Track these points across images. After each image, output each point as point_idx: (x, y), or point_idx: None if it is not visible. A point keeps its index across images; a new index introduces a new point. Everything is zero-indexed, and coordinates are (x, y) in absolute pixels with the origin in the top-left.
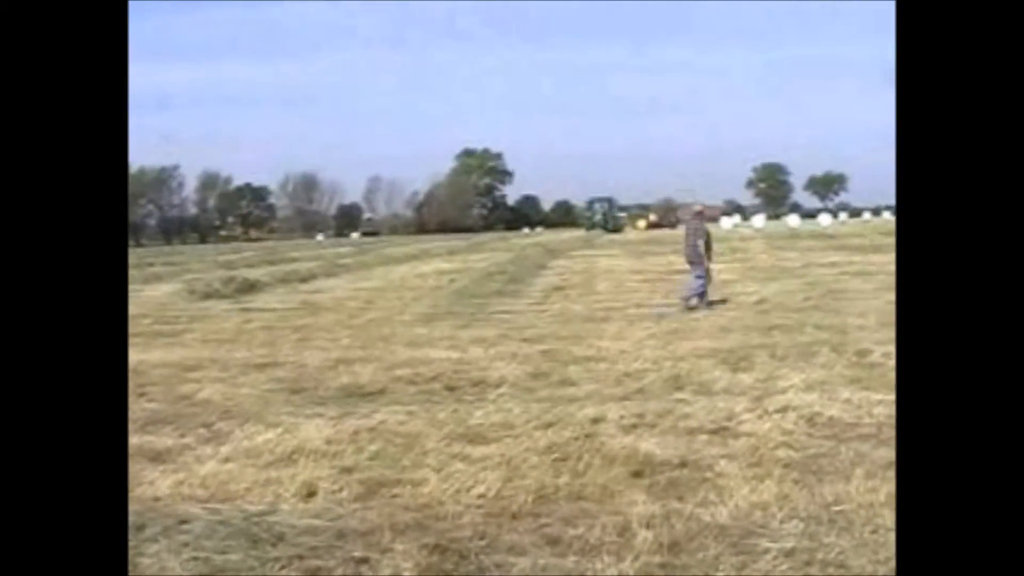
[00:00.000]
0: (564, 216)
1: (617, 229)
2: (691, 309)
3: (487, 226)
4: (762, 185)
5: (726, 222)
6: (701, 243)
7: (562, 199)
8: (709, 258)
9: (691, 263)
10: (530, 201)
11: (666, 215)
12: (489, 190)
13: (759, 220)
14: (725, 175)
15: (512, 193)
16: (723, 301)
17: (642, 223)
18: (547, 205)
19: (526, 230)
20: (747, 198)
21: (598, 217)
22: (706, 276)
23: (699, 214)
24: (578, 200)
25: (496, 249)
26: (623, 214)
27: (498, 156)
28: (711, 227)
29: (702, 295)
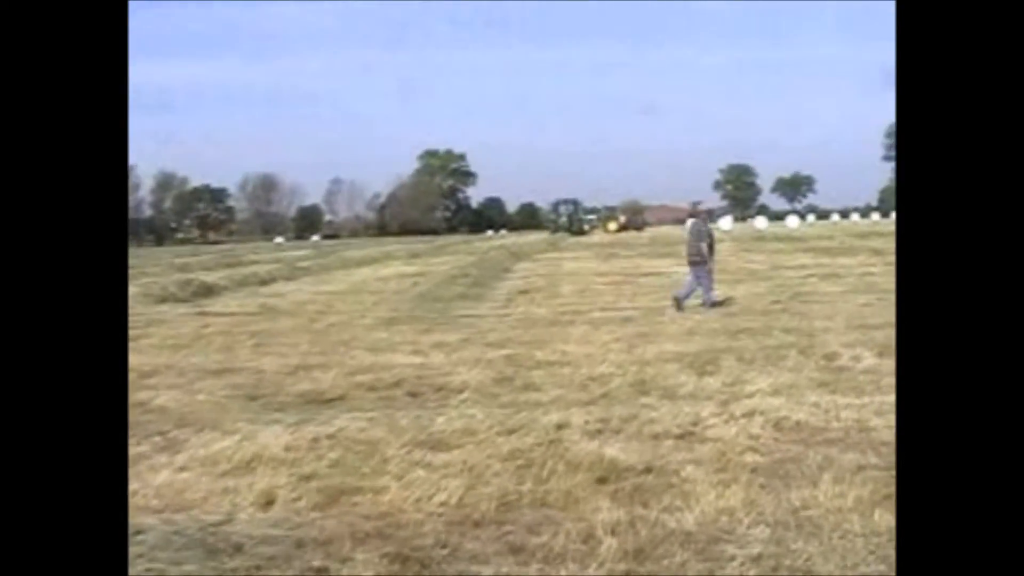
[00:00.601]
0: (529, 219)
1: (581, 231)
2: (716, 305)
3: (450, 229)
4: (729, 187)
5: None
6: (705, 244)
7: (527, 201)
8: (711, 258)
9: (693, 264)
10: (494, 203)
11: (633, 217)
12: (452, 192)
13: (726, 222)
14: (691, 176)
15: (476, 195)
16: (693, 305)
17: (613, 225)
18: (512, 207)
19: (490, 233)
20: (714, 200)
21: (563, 219)
22: (710, 276)
23: (703, 213)
24: (543, 202)
25: (459, 252)
26: (592, 216)
27: (461, 157)
28: (672, 230)
29: (710, 295)
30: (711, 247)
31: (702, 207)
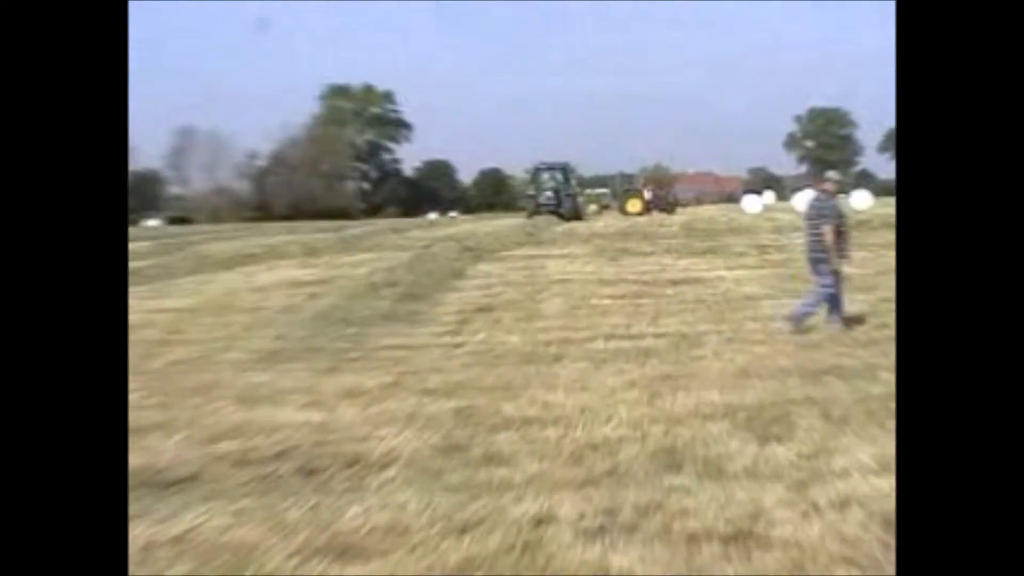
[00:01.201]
0: (494, 194)
1: (577, 214)
2: (844, 323)
3: (370, 209)
4: (810, 144)
5: (751, 203)
6: (828, 229)
7: (490, 167)
8: (843, 254)
9: (814, 263)
10: (440, 169)
11: (659, 191)
12: (373, 151)
13: (862, 197)
14: (747, 129)
15: (411, 157)
16: (748, 331)
17: (635, 204)
18: (467, 175)
19: (433, 216)
20: (785, 164)
21: (547, 195)
22: (837, 281)
23: (829, 187)
24: (517, 168)
25: (384, 246)
26: (600, 191)
27: (387, 98)
28: (717, 211)
29: (835, 308)
30: (842, 236)
31: (828, 182)
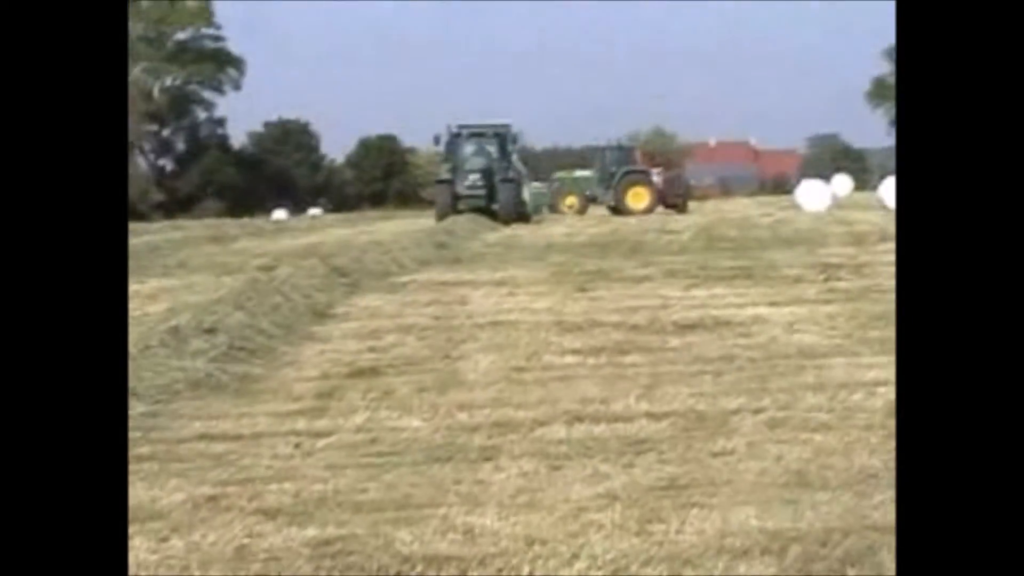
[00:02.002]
0: (383, 178)
1: (522, 213)
2: None
3: (174, 203)
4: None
5: (812, 193)
6: None
7: (379, 134)
8: None
9: None
10: (292, 138)
11: (669, 176)
12: (179, 106)
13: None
14: (795, 76)
15: (244, 114)
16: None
17: (642, 197)
18: (339, 147)
19: (280, 214)
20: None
21: (472, 179)
22: None
23: None
24: (422, 136)
25: (196, 267)
26: (584, 173)
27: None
28: (751, 207)
29: None
30: None
31: None
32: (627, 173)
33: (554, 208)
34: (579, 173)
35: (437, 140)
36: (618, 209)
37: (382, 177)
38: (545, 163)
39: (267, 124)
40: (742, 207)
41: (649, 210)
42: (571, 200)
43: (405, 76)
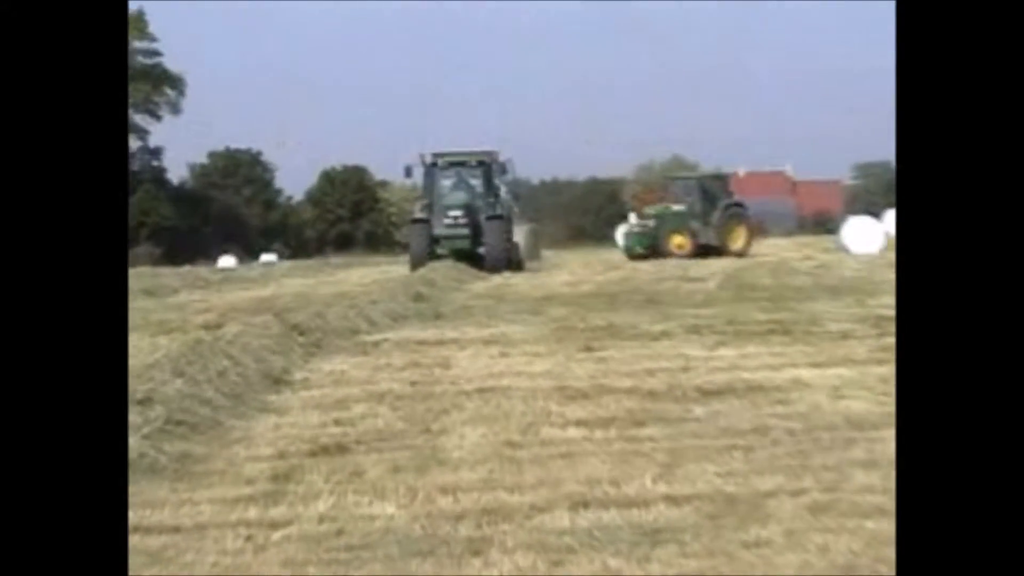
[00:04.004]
0: (351, 217)
1: (513, 259)
2: None
3: None
4: None
5: (861, 233)
6: None
7: (346, 164)
8: None
9: None
10: (242, 170)
11: (739, 213)
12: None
13: None
14: (840, 90)
15: (184, 144)
16: None
17: (740, 234)
18: (298, 181)
19: (228, 261)
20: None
21: (453, 216)
22: None
23: None
24: (394, 167)
25: (129, 324)
26: (677, 208)
27: (136, 24)
28: (788, 246)
29: None
30: None
31: None
32: (729, 207)
33: (658, 250)
34: (676, 208)
35: (409, 172)
36: (719, 250)
37: (349, 216)
38: (544, 198)
39: (212, 154)
40: (777, 249)
41: (745, 251)
42: (679, 240)
43: (378, 96)
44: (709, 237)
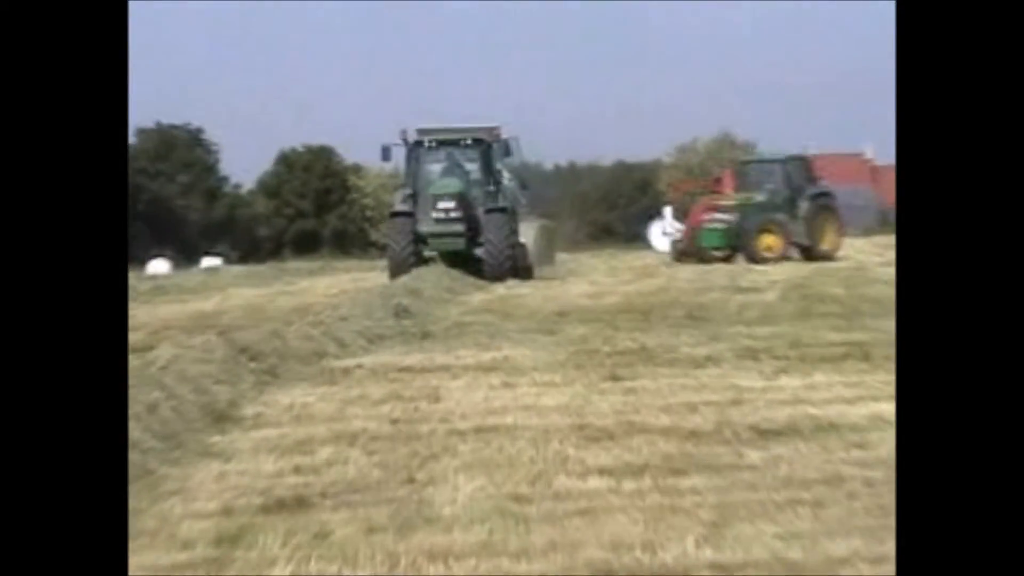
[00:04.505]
0: (316, 211)
1: (521, 264)
2: None
3: None
4: None
5: None
6: None
7: (312, 144)
8: None
9: None
10: (179, 151)
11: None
12: None
13: None
14: None
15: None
16: None
17: (831, 231)
18: (248, 166)
19: (160, 266)
20: None
21: (444, 207)
22: None
23: None
24: (369, 148)
25: None
26: (778, 216)
27: None
28: (865, 247)
29: None
30: None
31: None
32: (816, 196)
33: (749, 252)
34: (758, 197)
35: (387, 153)
36: (810, 250)
37: (312, 210)
38: (558, 185)
39: (141, 132)
40: (852, 250)
41: (834, 252)
42: (770, 240)
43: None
44: (799, 234)
